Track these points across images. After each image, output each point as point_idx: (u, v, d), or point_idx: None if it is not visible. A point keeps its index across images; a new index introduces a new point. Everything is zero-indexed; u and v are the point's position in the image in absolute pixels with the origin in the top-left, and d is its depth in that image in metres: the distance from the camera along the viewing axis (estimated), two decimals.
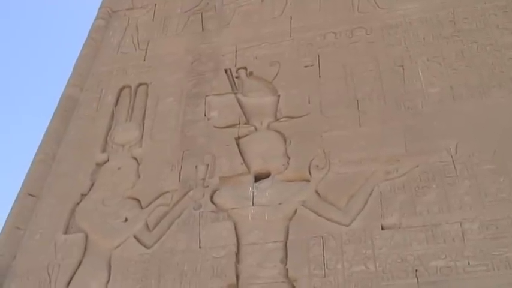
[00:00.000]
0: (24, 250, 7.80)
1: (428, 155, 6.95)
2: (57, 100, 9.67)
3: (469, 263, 6.01)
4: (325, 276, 6.38)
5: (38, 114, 27.69)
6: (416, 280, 6.05)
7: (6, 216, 8.21)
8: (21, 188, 8.53)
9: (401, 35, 8.47)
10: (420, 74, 7.82)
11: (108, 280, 7.17)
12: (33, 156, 8.92)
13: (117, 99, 9.46)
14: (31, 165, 8.79)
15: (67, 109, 9.42)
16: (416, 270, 6.12)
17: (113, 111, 9.27)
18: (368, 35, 8.68)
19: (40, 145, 9.04)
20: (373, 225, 6.60)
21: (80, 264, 7.49)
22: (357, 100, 7.86)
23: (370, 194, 6.87)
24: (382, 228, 6.55)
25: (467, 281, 5.89)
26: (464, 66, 7.72)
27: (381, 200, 6.78)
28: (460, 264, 6.03)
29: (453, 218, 6.37)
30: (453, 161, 6.83)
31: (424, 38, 8.29)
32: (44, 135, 9.15)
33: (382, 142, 7.27)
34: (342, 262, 6.42)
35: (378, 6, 9.06)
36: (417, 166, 6.90)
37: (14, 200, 8.40)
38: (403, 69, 7.98)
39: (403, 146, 7.15)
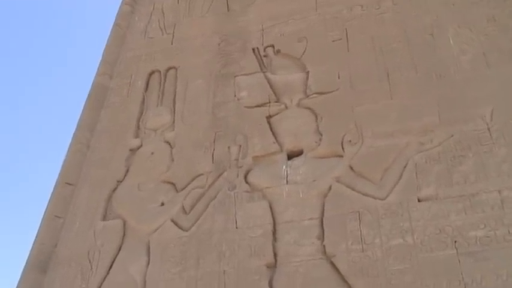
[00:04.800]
0: (64, 238, 7.97)
1: (462, 123, 6.85)
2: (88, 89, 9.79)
3: (509, 231, 5.93)
4: (363, 251, 6.37)
5: (70, 103, 28.06)
6: (455, 251, 6.01)
7: (45, 206, 8.40)
8: (58, 178, 8.69)
9: (430, 3, 8.32)
10: (451, 41, 7.68)
11: (148, 263, 7.30)
12: (68, 146, 9.08)
13: (147, 84, 9.53)
14: (67, 154, 8.94)
15: (98, 97, 9.52)
16: (455, 241, 6.08)
17: (143, 97, 9.33)
18: (395, 5, 8.54)
19: (74, 134, 9.18)
20: (409, 197, 6.55)
21: (119, 249, 7.64)
22: (387, 72, 7.76)
23: (405, 167, 6.81)
24: (419, 200, 6.51)
25: (508, 249, 5.82)
26: (497, 31, 7.53)
27: (416, 172, 6.72)
28: (500, 232, 5.95)
29: (491, 187, 6.28)
30: (488, 129, 6.71)
31: (453, 4, 8.12)
32: (78, 125, 9.28)
33: (414, 113, 7.18)
34: (380, 236, 6.40)
35: None
36: (452, 136, 6.81)
37: (51, 189, 8.59)
38: (433, 37, 7.86)
39: (437, 115, 7.05)
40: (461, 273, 5.84)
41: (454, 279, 5.84)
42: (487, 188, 6.29)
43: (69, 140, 9.15)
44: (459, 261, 5.93)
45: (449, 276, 5.86)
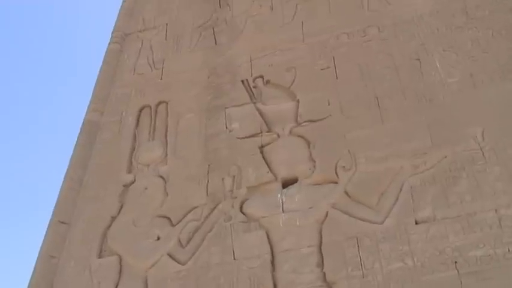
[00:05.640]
0: (60, 278, 7.83)
1: (455, 144, 6.92)
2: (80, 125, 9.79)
3: (509, 250, 5.96)
4: (363, 277, 6.35)
5: (59, 139, 27.97)
6: (456, 272, 6.01)
7: (39, 245, 8.29)
8: (52, 216, 8.60)
9: (415, 30, 8.48)
10: (438, 65, 7.81)
11: None
12: (60, 183, 9.02)
13: (138, 120, 9.51)
14: (60, 192, 8.86)
15: (89, 134, 9.49)
16: (455, 262, 6.08)
17: (135, 133, 9.32)
18: (381, 32, 8.69)
19: (66, 172, 9.12)
20: (406, 220, 6.57)
21: (116, 287, 7.51)
22: (377, 98, 7.85)
23: (401, 190, 6.85)
24: (416, 223, 6.52)
25: (509, 268, 5.84)
26: (481, 52, 7.69)
27: (412, 195, 6.75)
28: (500, 251, 5.98)
29: (487, 206, 6.32)
30: (481, 148, 6.79)
31: (437, 29, 8.29)
32: (70, 162, 9.23)
33: (406, 137, 7.25)
34: (380, 261, 6.39)
35: (389, 3, 9.06)
36: (445, 157, 6.88)
37: (46, 228, 8.49)
38: (420, 62, 7.98)
39: (429, 138, 7.13)
40: None
41: None
42: (483, 207, 6.33)
43: (62, 178, 9.12)
44: (461, 282, 5.92)
45: None
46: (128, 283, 7.46)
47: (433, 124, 7.21)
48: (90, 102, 10.09)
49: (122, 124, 9.53)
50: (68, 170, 9.16)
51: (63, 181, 9.03)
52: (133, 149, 9.13)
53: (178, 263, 7.33)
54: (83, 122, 9.83)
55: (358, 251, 6.55)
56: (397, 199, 6.79)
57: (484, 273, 5.89)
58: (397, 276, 6.20)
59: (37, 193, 27.30)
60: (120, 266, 7.68)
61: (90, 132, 9.56)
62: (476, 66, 7.58)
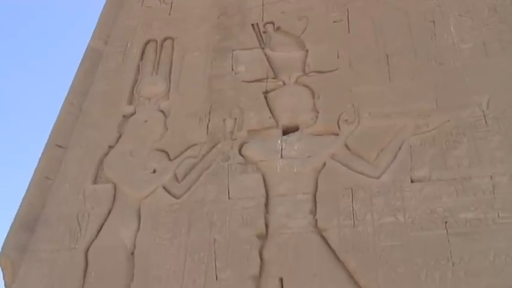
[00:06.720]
0: (53, 199, 7.93)
1: (459, 110, 6.98)
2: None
3: (498, 215, 6.11)
4: (354, 227, 6.50)
5: (61, 68, 27.57)
6: (445, 231, 6.17)
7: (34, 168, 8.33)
8: (49, 139, 8.62)
9: None
10: (452, 29, 7.78)
11: (138, 229, 7.31)
12: (59, 108, 9.00)
13: (143, 53, 9.44)
14: (58, 116, 8.85)
15: (92, 61, 9.42)
16: (445, 222, 6.23)
17: (138, 65, 9.26)
18: None
19: (67, 96, 9.09)
20: (402, 178, 6.68)
21: (109, 214, 7.63)
22: (387, 55, 7.83)
23: (400, 148, 6.93)
24: (412, 181, 6.64)
25: (497, 232, 6.00)
26: (497, 21, 7.66)
27: (411, 154, 6.85)
28: (490, 216, 6.13)
29: (483, 172, 6.44)
30: (484, 116, 6.86)
31: None
32: (70, 87, 9.19)
33: (412, 97, 7.29)
34: (372, 213, 6.53)
35: None
36: (448, 121, 6.94)
37: (42, 150, 8.51)
38: (434, 24, 7.93)
39: (434, 100, 7.17)
40: (450, 253, 6.01)
41: (442, 257, 6.00)
42: (479, 173, 6.44)
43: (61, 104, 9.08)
44: (448, 241, 6.09)
45: (438, 254, 6.03)
46: (121, 211, 7.57)
47: (441, 87, 7.25)
48: (95, 29, 9.98)
49: (125, 55, 9.47)
50: (68, 94, 9.14)
51: (62, 105, 9.01)
52: (135, 81, 9.10)
53: (173, 196, 7.43)
54: (87, 49, 9.74)
55: (352, 202, 6.68)
56: (395, 156, 6.88)
57: (472, 234, 6.05)
58: (387, 229, 6.36)
59: (36, 117, 27.06)
60: (115, 194, 7.78)
61: (93, 59, 9.49)
62: (490, 34, 7.55)
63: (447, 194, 6.41)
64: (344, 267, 6.30)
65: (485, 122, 6.80)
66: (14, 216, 7.82)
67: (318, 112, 7.66)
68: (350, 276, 6.22)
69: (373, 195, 6.65)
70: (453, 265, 5.93)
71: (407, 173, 6.71)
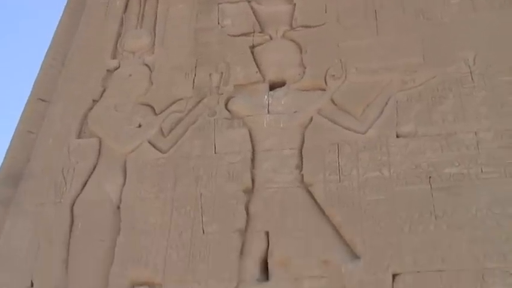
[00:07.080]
0: (37, 154, 7.88)
1: (446, 65, 6.98)
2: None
3: (482, 170, 6.20)
4: (340, 181, 6.56)
5: (43, 20, 26.72)
6: (429, 186, 6.25)
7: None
8: (31, 93, 8.49)
9: None
10: None
11: (124, 183, 7.31)
12: (41, 61, 8.83)
13: (126, 5, 9.22)
14: (40, 69, 8.70)
15: (75, 13, 9.19)
16: (430, 177, 6.31)
17: (122, 18, 9.06)
18: None
19: (48, 50, 8.91)
20: (388, 133, 6.73)
21: (94, 168, 7.61)
22: (375, 10, 7.76)
23: (386, 103, 6.95)
24: (398, 136, 6.70)
25: (480, 186, 6.11)
26: None
27: (396, 109, 6.88)
28: (473, 171, 6.22)
29: (468, 128, 6.50)
30: (471, 72, 6.88)
31: None
32: (52, 40, 9.00)
33: (399, 52, 7.27)
34: (357, 168, 6.59)
35: None
36: (434, 76, 6.95)
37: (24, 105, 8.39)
38: None
39: (421, 56, 7.16)
40: (433, 206, 6.11)
41: (426, 211, 6.11)
42: (464, 128, 6.51)
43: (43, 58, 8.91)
44: (432, 195, 6.19)
45: (422, 208, 6.13)
46: (106, 165, 7.56)
47: (428, 42, 7.22)
48: None
49: (108, 7, 9.25)
50: (49, 48, 8.96)
51: (44, 58, 8.85)
52: (119, 34, 8.93)
53: (159, 150, 7.42)
54: (67, 2, 9.49)
55: (338, 157, 6.73)
56: (381, 112, 6.91)
57: (455, 189, 6.15)
58: (372, 184, 6.44)
59: (18, 71, 26.42)
60: (100, 148, 7.75)
61: (75, 10, 9.27)
62: None
63: (432, 149, 6.47)
64: (329, 222, 6.38)
65: (472, 78, 6.83)
66: None
67: (305, 67, 7.61)
68: (335, 230, 6.31)
69: (359, 151, 6.70)
70: (436, 218, 6.04)
71: (393, 128, 6.75)
